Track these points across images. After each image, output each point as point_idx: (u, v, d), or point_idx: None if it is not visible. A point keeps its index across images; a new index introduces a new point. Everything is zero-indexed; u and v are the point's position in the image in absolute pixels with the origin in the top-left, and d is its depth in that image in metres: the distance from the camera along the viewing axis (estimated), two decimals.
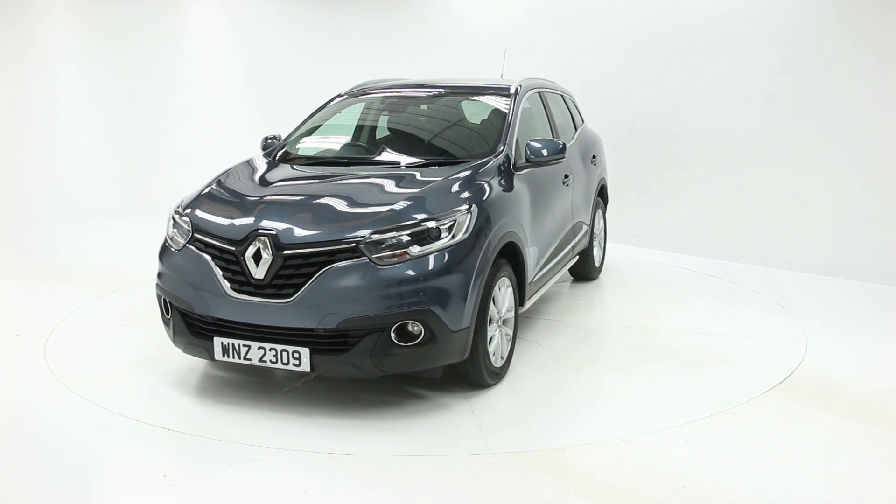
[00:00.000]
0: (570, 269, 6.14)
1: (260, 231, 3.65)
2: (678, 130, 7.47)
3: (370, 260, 3.51)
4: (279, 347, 3.57)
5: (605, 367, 4.44)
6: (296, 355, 3.54)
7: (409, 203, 3.75)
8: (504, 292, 4.08)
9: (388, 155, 4.67)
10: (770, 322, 5.28)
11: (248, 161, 4.82)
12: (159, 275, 4.03)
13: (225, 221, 3.85)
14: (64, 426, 3.65)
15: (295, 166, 4.63)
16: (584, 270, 6.18)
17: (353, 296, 3.47)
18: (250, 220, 3.76)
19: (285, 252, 3.57)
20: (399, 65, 9.64)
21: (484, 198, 3.93)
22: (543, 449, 3.39)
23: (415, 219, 3.63)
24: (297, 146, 4.95)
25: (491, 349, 3.95)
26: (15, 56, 8.84)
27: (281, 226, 3.66)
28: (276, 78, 10.38)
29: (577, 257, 5.86)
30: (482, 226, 3.79)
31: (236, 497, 3.00)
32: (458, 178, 4.04)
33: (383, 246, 3.54)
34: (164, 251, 4.05)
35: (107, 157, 9.50)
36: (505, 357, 4.16)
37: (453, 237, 3.66)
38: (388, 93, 5.32)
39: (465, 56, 9.47)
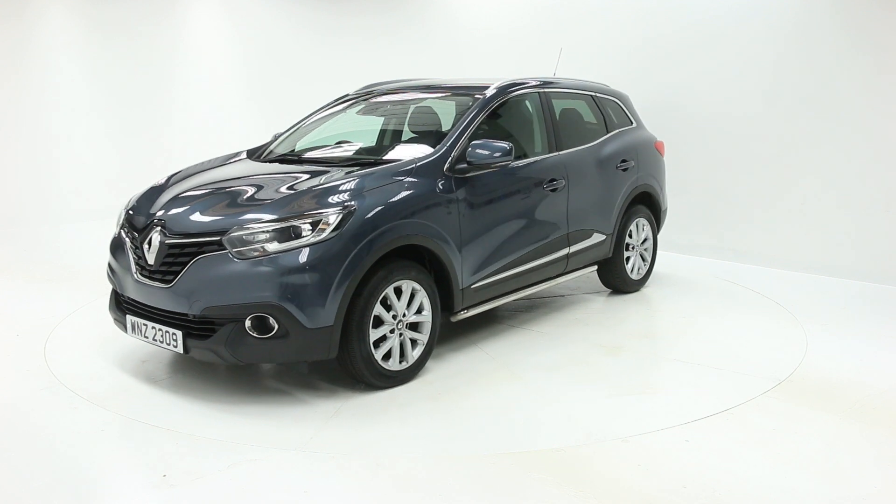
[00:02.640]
0: (602, 281, 5.95)
1: (156, 220, 4.00)
2: (676, 131, 7.47)
3: (231, 253, 3.68)
4: (164, 328, 3.86)
5: (520, 383, 4.17)
6: (174, 337, 3.81)
7: (281, 200, 3.87)
8: (408, 296, 4.06)
9: (339, 155, 4.91)
10: (770, 322, 5.28)
11: (224, 156, 5.16)
12: (108, 260, 4.42)
13: (141, 210, 4.22)
14: (64, 426, 3.65)
15: (253, 162, 4.89)
16: (614, 282, 5.91)
17: (214, 286, 3.69)
18: (156, 209, 4.11)
19: (167, 241, 3.85)
20: (400, 64, 9.64)
21: (370, 199, 3.93)
22: (543, 449, 3.39)
23: (277, 216, 3.76)
24: (272, 144, 5.23)
25: (379, 352, 3.95)
26: (15, 55, 8.84)
27: (172, 216, 3.97)
28: (276, 76, 10.39)
29: (595, 266, 5.66)
30: (358, 226, 3.80)
31: (236, 497, 3.00)
32: (354, 178, 4.06)
33: (243, 241, 3.70)
34: (113, 238, 4.42)
35: (107, 156, 9.51)
36: (411, 361, 4.13)
37: (316, 236, 3.71)
38: (377, 94, 5.41)
39: (466, 55, 9.47)
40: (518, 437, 3.54)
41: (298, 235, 3.71)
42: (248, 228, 3.72)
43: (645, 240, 6.08)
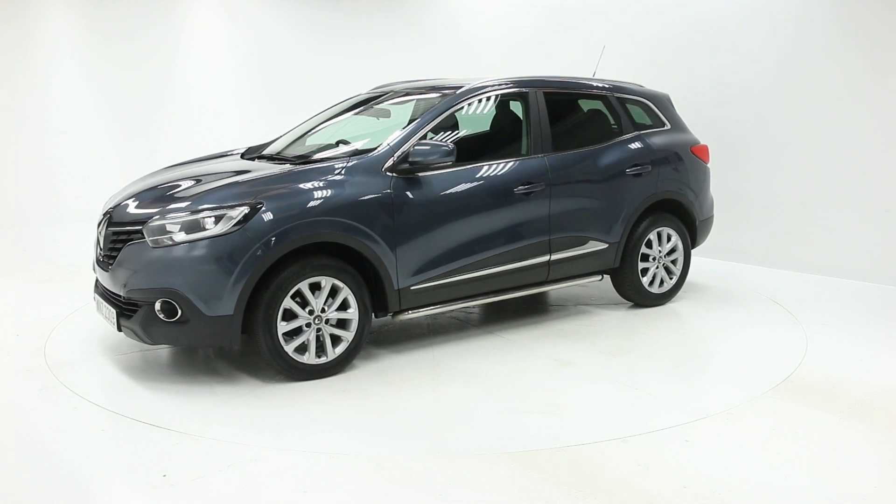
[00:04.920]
0: (619, 293, 5.58)
1: (110, 210, 4.36)
2: None
3: (148, 241, 3.99)
4: (108, 307, 4.22)
5: (431, 388, 4.09)
6: (112, 314, 4.16)
7: (200, 194, 4.09)
8: (326, 292, 4.13)
9: (302, 152, 4.91)
10: (770, 322, 5.28)
11: (217, 153, 5.41)
12: None
13: (111, 202, 4.54)
14: (64, 426, 3.65)
15: (236, 160, 5.04)
16: (629, 294, 5.53)
17: (136, 270, 4.03)
18: (117, 201, 4.45)
19: (109, 229, 4.24)
20: (402, 63, 9.65)
21: (284, 196, 4.05)
22: (543, 449, 3.39)
23: (187, 209, 4.01)
24: (270, 143, 5.33)
25: (291, 345, 4.07)
26: (15, 55, 8.84)
27: (119, 207, 4.32)
28: (276, 76, 10.39)
29: (598, 277, 5.37)
30: (263, 222, 3.95)
31: (236, 497, 3.00)
32: (275, 176, 4.21)
33: (157, 230, 3.99)
34: None
35: (107, 156, 9.51)
36: (331, 357, 4.20)
37: (219, 229, 3.92)
38: (390, 94, 5.36)
39: (468, 54, 9.47)
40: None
41: (204, 228, 3.93)
42: (161, 219, 4.01)
43: (672, 251, 5.64)
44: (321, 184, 4.20)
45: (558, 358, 4.56)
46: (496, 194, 4.74)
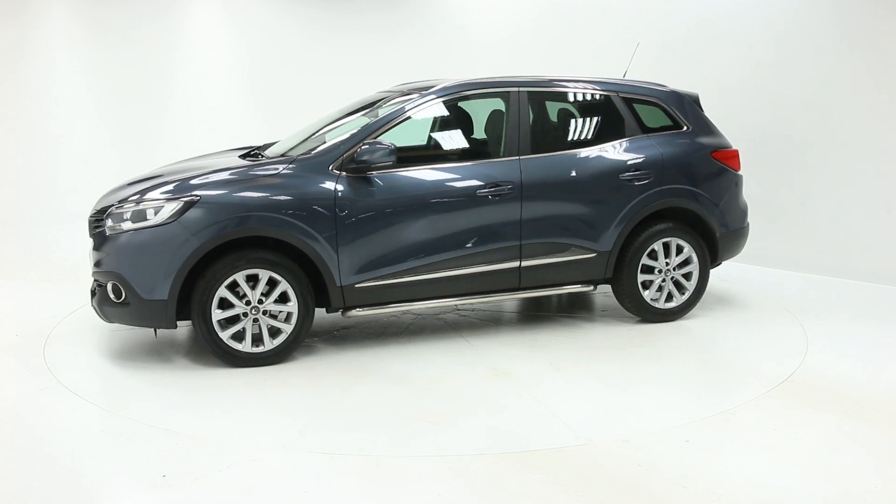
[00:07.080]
0: (622, 306, 5.22)
1: (101, 198, 4.66)
2: None
3: (106, 228, 4.32)
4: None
5: (344, 388, 4.07)
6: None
7: (152, 187, 4.36)
8: (263, 284, 4.30)
9: (284, 150, 4.97)
10: (770, 322, 5.28)
11: (222, 150, 5.65)
12: None
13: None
14: (64, 426, 3.65)
15: (225, 157, 5.10)
16: (629, 308, 5.17)
17: (98, 254, 4.35)
18: (109, 191, 4.76)
19: (90, 216, 4.55)
20: (400, 63, 9.65)
21: (222, 191, 4.28)
22: (543, 449, 3.39)
23: (135, 200, 4.31)
24: (272, 143, 5.43)
25: (226, 333, 4.30)
26: (14, 54, 8.84)
27: (102, 197, 4.65)
28: (276, 75, 10.38)
29: (591, 287, 5.03)
30: (198, 215, 4.19)
31: (236, 497, 3.00)
32: (219, 172, 4.42)
33: (115, 218, 4.31)
34: None
35: (106, 155, 9.51)
36: (268, 347, 4.37)
37: (157, 220, 4.21)
38: (382, 95, 5.36)
39: (467, 53, 9.47)
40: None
41: (146, 218, 4.22)
42: (116, 209, 4.32)
43: (685, 264, 5.18)
44: (263, 181, 4.35)
45: (498, 367, 4.39)
46: (454, 196, 4.63)
